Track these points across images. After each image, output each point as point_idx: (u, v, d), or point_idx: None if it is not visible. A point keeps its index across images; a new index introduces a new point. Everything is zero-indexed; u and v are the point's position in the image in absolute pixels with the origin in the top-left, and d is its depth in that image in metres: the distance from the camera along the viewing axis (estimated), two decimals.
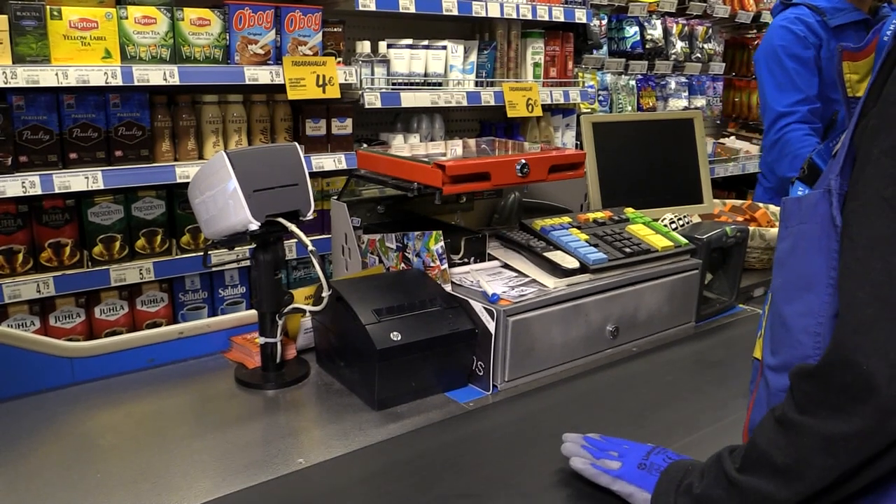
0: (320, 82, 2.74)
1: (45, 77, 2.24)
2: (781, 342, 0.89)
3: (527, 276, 1.40)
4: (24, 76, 2.20)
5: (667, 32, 4.34)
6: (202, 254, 2.59)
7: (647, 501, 0.94)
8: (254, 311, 1.36)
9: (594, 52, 3.96)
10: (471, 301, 1.30)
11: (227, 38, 2.59)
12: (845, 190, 0.84)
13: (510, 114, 3.30)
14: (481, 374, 1.31)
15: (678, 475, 0.92)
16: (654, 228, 1.59)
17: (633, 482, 0.97)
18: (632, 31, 4.13)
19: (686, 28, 4.50)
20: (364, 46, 2.94)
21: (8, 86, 2.18)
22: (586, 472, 1.01)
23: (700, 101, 4.52)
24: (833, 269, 0.84)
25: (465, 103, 3.18)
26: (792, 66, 2.41)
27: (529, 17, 3.32)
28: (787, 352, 0.88)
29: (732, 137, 4.96)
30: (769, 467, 0.80)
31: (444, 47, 3.14)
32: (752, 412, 0.97)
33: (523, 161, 1.44)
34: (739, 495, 0.81)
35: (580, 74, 3.81)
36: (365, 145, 2.97)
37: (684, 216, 1.81)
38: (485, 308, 1.27)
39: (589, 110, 3.87)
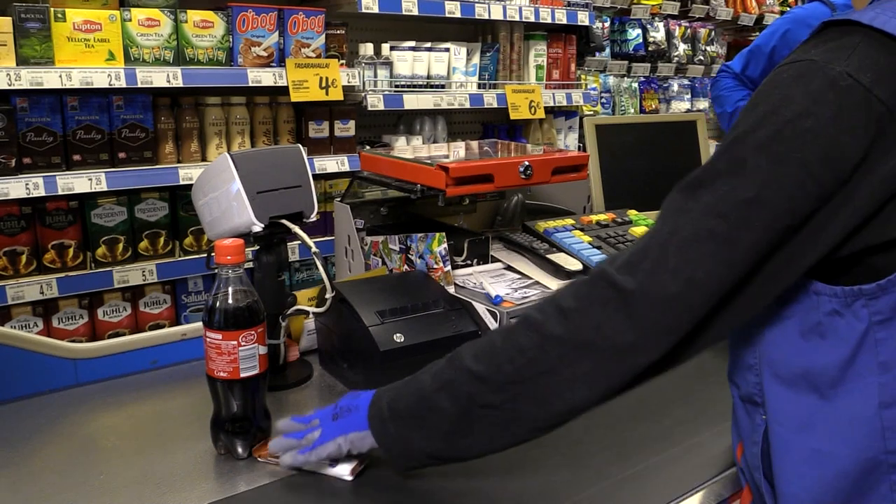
0: (323, 84, 2.74)
1: (49, 79, 2.24)
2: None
3: (530, 277, 1.40)
4: (28, 78, 2.20)
5: (669, 35, 4.34)
6: (205, 255, 2.60)
7: (357, 441, 0.95)
8: None
9: (597, 54, 3.97)
10: (474, 303, 1.30)
11: (231, 40, 2.60)
12: None
13: (513, 116, 3.30)
14: None
15: (385, 395, 0.94)
16: None
17: (334, 435, 0.97)
18: (634, 33, 4.13)
19: (689, 30, 4.50)
20: (367, 48, 2.94)
21: (12, 87, 2.18)
22: (297, 462, 1.00)
23: (703, 104, 4.52)
24: None
25: (467, 105, 3.18)
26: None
27: (532, 19, 3.33)
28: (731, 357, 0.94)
29: None
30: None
31: (447, 49, 3.14)
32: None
33: (526, 163, 1.44)
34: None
35: (583, 77, 3.81)
36: (368, 147, 2.97)
37: None
38: (488, 310, 1.27)
39: (591, 112, 3.87)
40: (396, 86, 3.01)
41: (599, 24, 3.91)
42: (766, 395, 0.87)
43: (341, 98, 2.81)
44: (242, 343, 1.01)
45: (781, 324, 0.84)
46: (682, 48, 4.42)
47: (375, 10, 2.82)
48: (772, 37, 2.67)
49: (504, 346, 0.84)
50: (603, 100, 4.02)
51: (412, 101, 3.00)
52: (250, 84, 2.61)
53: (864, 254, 0.77)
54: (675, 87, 4.40)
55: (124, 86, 2.37)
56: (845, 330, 0.80)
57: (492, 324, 1.27)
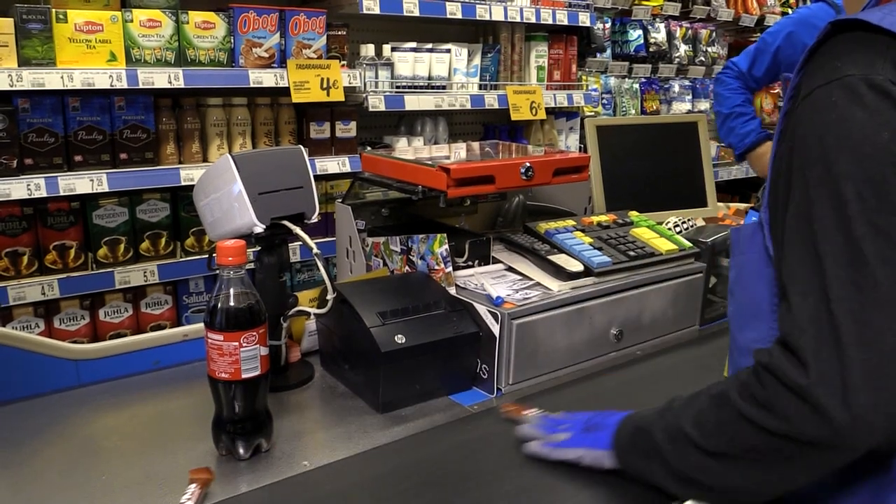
0: (324, 85, 2.74)
1: (51, 80, 2.24)
2: (739, 367, 0.93)
3: (531, 279, 1.40)
4: (30, 79, 2.21)
5: (670, 36, 4.34)
6: (206, 256, 2.60)
7: (597, 458, 1.00)
8: None
9: (598, 55, 3.96)
10: (475, 304, 1.30)
11: (232, 41, 2.60)
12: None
13: (514, 117, 3.30)
14: (485, 377, 1.31)
15: (627, 427, 0.99)
16: (659, 232, 1.59)
17: (580, 445, 1.02)
18: (635, 34, 4.13)
19: (690, 31, 4.49)
20: (368, 49, 2.95)
21: (13, 88, 2.18)
22: (540, 452, 1.05)
23: (704, 105, 4.51)
24: (775, 297, 0.89)
25: (468, 106, 3.18)
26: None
27: (533, 20, 3.33)
28: None
29: None
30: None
31: (448, 50, 3.14)
32: None
33: (527, 164, 1.44)
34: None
35: (584, 78, 3.81)
36: (369, 148, 2.97)
37: (688, 219, 1.81)
38: (489, 311, 1.27)
39: (592, 113, 3.87)
40: (397, 87, 3.02)
41: (600, 25, 3.91)
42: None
43: (342, 99, 2.81)
44: (244, 344, 1.01)
45: None
46: (684, 49, 4.41)
47: (377, 11, 2.83)
48: (776, 36, 2.67)
49: (712, 417, 0.86)
50: (604, 101, 4.02)
51: (413, 102, 3.00)
52: (251, 85, 2.61)
53: None
54: (676, 88, 4.40)
55: (126, 87, 2.37)
56: None
57: (493, 325, 1.27)
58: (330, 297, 1.29)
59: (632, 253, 1.47)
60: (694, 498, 0.92)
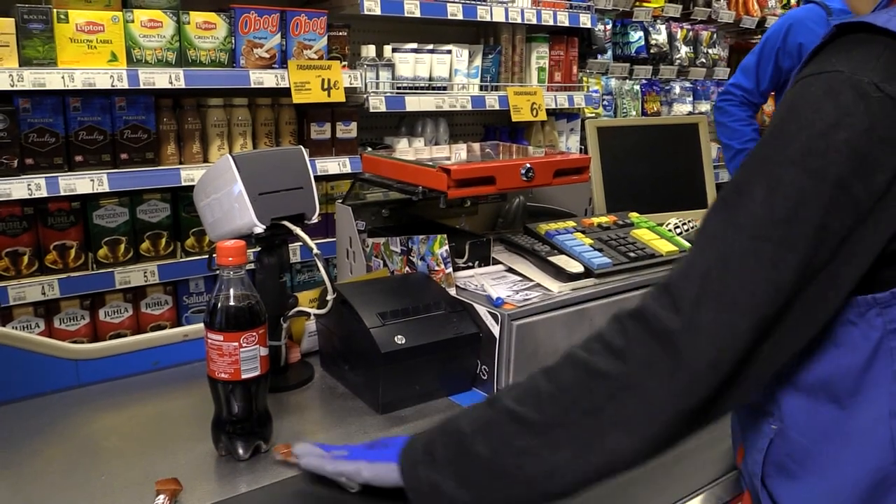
0: (325, 86, 2.75)
1: (52, 80, 2.25)
2: None
3: (531, 280, 1.40)
4: (31, 79, 2.21)
5: (671, 37, 4.34)
6: (207, 257, 2.60)
7: (378, 472, 0.90)
8: None
9: (599, 56, 3.97)
10: (475, 305, 1.30)
11: (233, 41, 2.60)
12: None
13: (514, 118, 3.30)
14: (485, 378, 1.30)
15: (421, 438, 0.89)
16: (659, 233, 1.59)
17: (357, 458, 0.95)
18: (636, 35, 4.13)
19: (691, 33, 4.50)
20: (369, 50, 2.95)
21: (14, 88, 2.19)
22: (315, 463, 0.98)
23: (704, 106, 4.51)
24: None
25: (469, 107, 3.18)
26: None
27: (534, 21, 3.33)
28: None
29: None
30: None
31: (449, 51, 3.14)
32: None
33: (528, 165, 1.44)
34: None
35: (584, 79, 3.81)
36: (369, 149, 2.97)
37: (689, 221, 1.81)
38: (489, 312, 1.27)
39: (593, 115, 3.87)
40: (398, 88, 3.02)
41: (601, 27, 3.91)
42: (782, 405, 0.86)
43: (343, 100, 2.81)
44: (244, 344, 1.01)
45: (789, 322, 0.83)
46: (684, 51, 4.41)
47: (377, 11, 2.83)
48: (775, 40, 2.64)
49: (547, 385, 0.80)
50: (605, 102, 4.02)
51: (414, 103, 3.00)
52: (252, 85, 2.61)
53: (876, 263, 0.76)
54: (677, 90, 4.40)
55: (126, 87, 2.37)
56: (860, 339, 0.79)
57: (493, 326, 1.27)
58: (330, 297, 1.29)
59: (632, 254, 1.46)
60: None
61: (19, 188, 2.26)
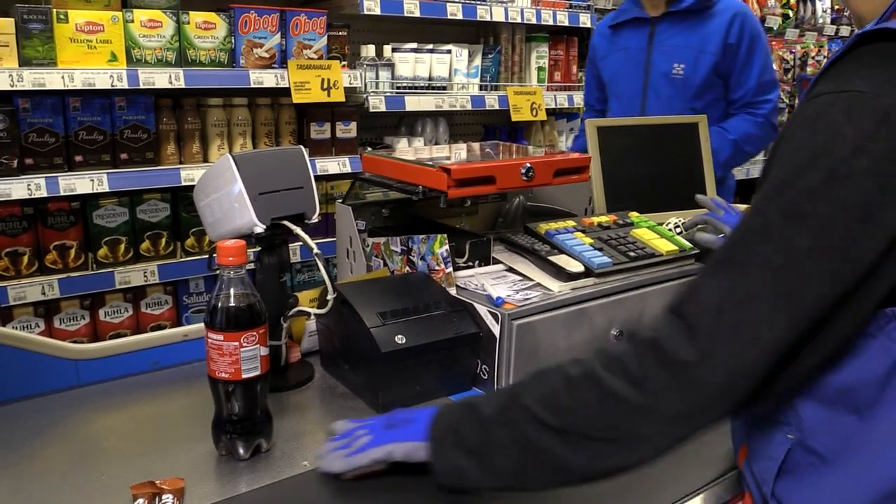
0: (325, 86, 2.75)
1: (51, 80, 2.25)
2: None
3: (531, 279, 1.40)
4: (31, 79, 2.21)
5: None
6: (207, 256, 2.60)
7: (409, 451, 0.95)
8: None
9: None
10: (475, 304, 1.30)
11: (233, 41, 2.60)
12: None
13: (514, 118, 3.30)
14: (485, 377, 1.30)
15: (446, 419, 0.94)
16: (659, 233, 1.59)
17: (385, 441, 0.97)
18: None
19: None
20: (369, 50, 2.95)
21: (14, 88, 2.19)
22: (338, 465, 0.99)
23: None
24: None
25: (469, 107, 3.18)
26: None
27: (534, 21, 3.33)
28: None
29: None
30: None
31: (449, 51, 3.14)
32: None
33: (528, 165, 1.44)
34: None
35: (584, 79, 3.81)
36: (369, 149, 2.97)
37: (689, 220, 1.81)
38: (489, 312, 1.27)
39: None
40: (398, 87, 3.02)
41: None
42: (801, 414, 0.85)
43: (343, 99, 2.81)
44: (244, 344, 1.01)
45: (811, 343, 0.82)
46: None
47: (377, 11, 2.83)
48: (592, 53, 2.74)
49: (567, 398, 0.83)
50: None
51: (414, 103, 3.00)
52: (252, 85, 2.61)
53: None
54: None
55: (126, 87, 2.37)
56: (879, 352, 0.78)
57: (493, 325, 1.27)
58: (330, 297, 1.29)
59: (632, 254, 1.46)
60: (507, 487, 0.89)
61: (19, 188, 2.25)
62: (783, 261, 0.73)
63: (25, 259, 2.40)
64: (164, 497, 0.95)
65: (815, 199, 0.72)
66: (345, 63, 2.90)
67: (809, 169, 0.73)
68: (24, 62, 2.24)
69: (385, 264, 1.49)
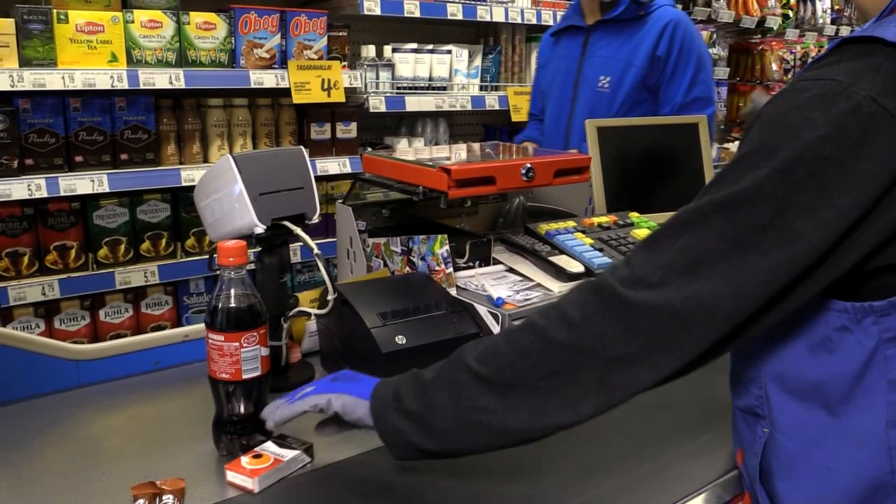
0: (325, 86, 2.75)
1: (52, 80, 2.25)
2: (737, 370, 0.94)
3: (532, 280, 1.40)
4: (31, 79, 2.21)
5: None
6: (207, 257, 2.60)
7: (347, 405, 0.94)
8: None
9: None
10: (476, 305, 1.30)
11: (233, 41, 2.60)
12: None
13: (514, 118, 3.30)
14: None
15: (390, 384, 0.93)
16: None
17: (326, 391, 0.96)
18: None
19: None
20: (369, 50, 2.95)
21: (14, 89, 2.19)
22: (281, 412, 0.99)
23: None
24: None
25: (469, 107, 3.18)
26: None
27: (534, 21, 3.33)
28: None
29: (737, 142, 4.96)
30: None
31: (449, 51, 3.14)
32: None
33: (528, 165, 1.44)
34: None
35: None
36: (370, 149, 2.97)
37: None
38: (490, 312, 1.27)
39: None
40: (398, 88, 3.02)
41: None
42: (773, 408, 0.86)
43: (343, 100, 2.81)
44: (244, 344, 1.01)
45: (787, 337, 0.83)
46: None
47: (377, 12, 2.83)
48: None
49: (507, 350, 0.83)
50: None
51: (414, 103, 3.00)
52: (252, 86, 2.61)
53: (876, 272, 0.76)
54: None
55: (126, 87, 2.37)
56: (854, 346, 0.79)
57: (493, 326, 1.27)
58: (331, 297, 1.29)
59: None
60: (448, 452, 0.88)
61: (19, 189, 2.26)
62: (739, 234, 0.74)
63: (26, 259, 2.40)
64: (164, 497, 0.95)
65: (777, 180, 0.73)
66: (345, 63, 2.90)
67: (778, 149, 0.74)
68: (25, 62, 2.24)
69: (385, 265, 1.49)
